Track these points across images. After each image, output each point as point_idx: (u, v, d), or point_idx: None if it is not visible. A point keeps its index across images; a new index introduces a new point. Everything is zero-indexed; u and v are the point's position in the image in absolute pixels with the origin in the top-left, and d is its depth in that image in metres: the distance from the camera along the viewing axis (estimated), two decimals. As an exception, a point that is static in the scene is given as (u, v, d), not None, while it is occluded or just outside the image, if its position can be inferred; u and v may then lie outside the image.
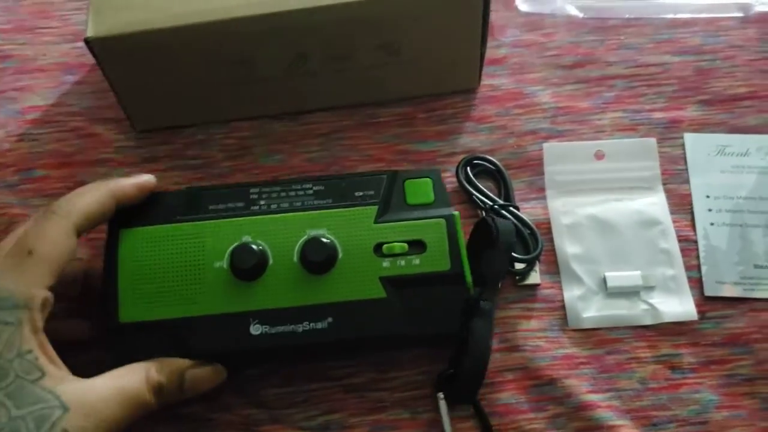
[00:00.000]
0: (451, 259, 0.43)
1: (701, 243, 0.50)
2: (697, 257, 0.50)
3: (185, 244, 0.43)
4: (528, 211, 0.51)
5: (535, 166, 0.53)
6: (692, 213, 0.51)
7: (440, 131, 0.55)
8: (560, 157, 0.53)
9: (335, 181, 0.46)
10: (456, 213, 0.45)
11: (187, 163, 0.54)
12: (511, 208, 0.50)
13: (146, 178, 0.44)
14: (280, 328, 0.42)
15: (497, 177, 0.53)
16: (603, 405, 0.45)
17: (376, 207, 0.45)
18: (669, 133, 0.54)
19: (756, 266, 0.49)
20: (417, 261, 0.43)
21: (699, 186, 0.52)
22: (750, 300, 0.48)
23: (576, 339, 0.48)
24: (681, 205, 0.52)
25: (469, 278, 0.43)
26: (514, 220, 0.49)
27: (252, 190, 0.45)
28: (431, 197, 0.45)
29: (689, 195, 0.52)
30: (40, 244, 0.38)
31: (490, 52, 0.58)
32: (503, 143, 0.54)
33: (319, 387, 0.46)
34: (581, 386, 0.46)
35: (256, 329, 0.42)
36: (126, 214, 0.44)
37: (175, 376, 0.40)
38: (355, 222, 0.44)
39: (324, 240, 0.43)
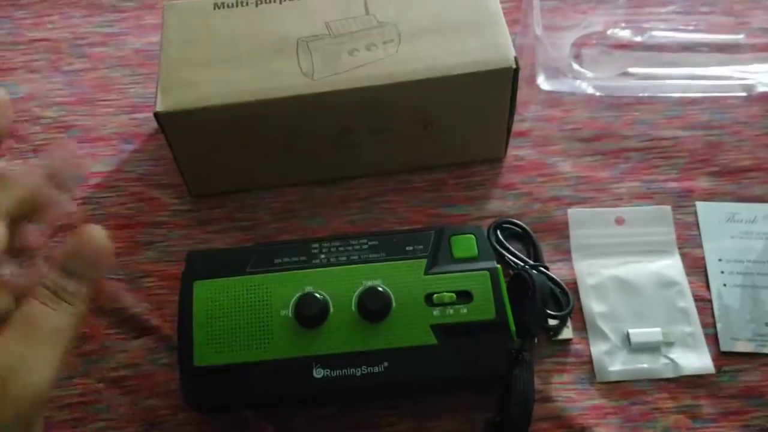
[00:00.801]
0: (496, 309, 0.47)
1: (716, 302, 0.54)
2: (713, 315, 0.54)
3: (254, 294, 0.47)
4: (555, 272, 0.55)
5: (559, 230, 0.58)
6: (706, 275, 0.56)
7: (469, 196, 0.60)
8: (584, 222, 0.58)
9: (388, 237, 0.50)
10: (498, 266, 0.49)
11: (238, 225, 0.59)
12: (542, 268, 0.54)
13: None
14: (340, 372, 0.46)
15: (525, 239, 0.57)
16: (630, 453, 0.49)
17: (425, 260, 0.49)
18: (682, 201, 0.59)
19: (767, 324, 0.53)
20: (464, 310, 0.47)
21: (712, 250, 0.57)
22: (763, 355, 0.52)
23: (603, 391, 0.51)
24: (696, 267, 0.56)
25: (512, 326, 0.47)
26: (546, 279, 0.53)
27: (313, 245, 0.50)
28: (475, 251, 0.50)
29: (703, 258, 0.56)
30: None
31: (516, 126, 0.63)
32: (529, 208, 0.59)
33: (362, 435, 0.50)
34: (609, 435, 0.49)
35: (318, 372, 0.46)
36: (199, 267, 0.48)
37: None
38: (407, 274, 0.48)
39: (379, 290, 0.47)
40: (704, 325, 0.53)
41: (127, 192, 0.61)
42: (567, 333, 0.53)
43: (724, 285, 0.55)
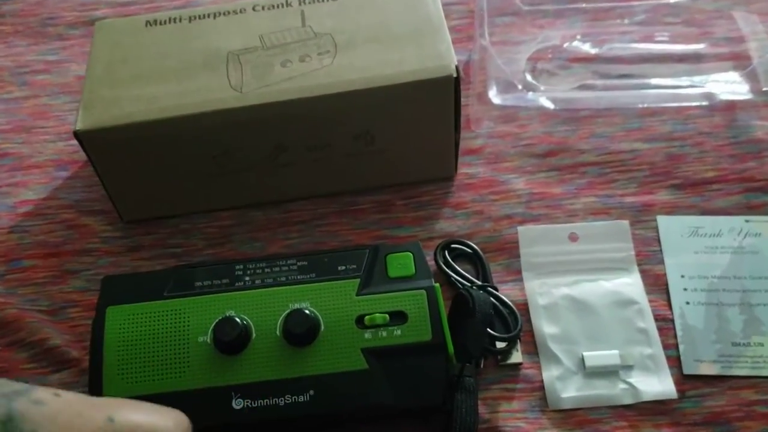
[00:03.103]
0: (433, 330, 0.44)
1: (678, 322, 0.50)
2: (675, 336, 0.50)
3: (170, 319, 0.44)
4: (506, 293, 0.51)
5: (511, 249, 0.54)
6: (668, 292, 0.52)
7: (418, 217, 0.57)
8: (535, 240, 0.54)
9: (318, 257, 0.47)
10: (437, 285, 0.46)
11: (170, 251, 0.56)
12: (490, 289, 0.51)
13: None
14: (262, 402, 0.42)
15: (475, 260, 0.54)
16: (584, 487, 0.44)
17: (358, 280, 0.46)
18: (642, 215, 0.55)
19: (733, 344, 0.49)
20: (398, 332, 0.44)
21: (673, 266, 0.53)
22: (729, 378, 0.48)
23: (556, 419, 0.47)
24: (656, 285, 0.52)
25: (451, 349, 0.43)
26: (494, 300, 0.50)
27: (237, 267, 0.47)
28: (412, 270, 0.47)
29: (664, 275, 0.53)
30: None
31: (467, 143, 0.60)
32: (480, 227, 0.56)
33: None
34: (562, 468, 0.45)
35: (238, 403, 0.42)
36: (114, 292, 0.45)
37: None
38: (338, 295, 0.45)
39: (306, 312, 0.44)
40: (666, 347, 0.49)
41: (57, 219, 0.58)
42: (516, 357, 0.49)
43: (687, 303, 0.51)
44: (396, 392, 0.42)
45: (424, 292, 0.45)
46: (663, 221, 0.55)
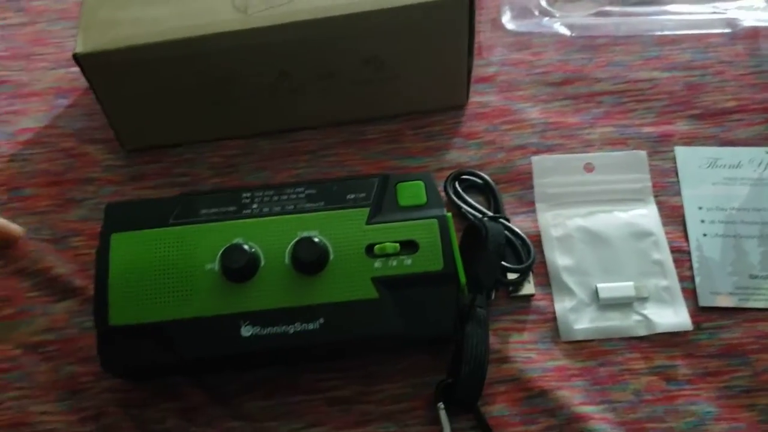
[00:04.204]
0: (444, 259, 0.43)
1: (694, 254, 0.49)
2: (691, 268, 0.49)
3: (176, 246, 0.43)
4: (518, 225, 0.50)
5: (524, 180, 0.53)
6: (684, 224, 0.51)
7: (428, 147, 0.55)
8: (549, 170, 0.53)
9: (327, 185, 0.46)
10: (448, 214, 0.44)
11: (175, 180, 0.54)
12: (502, 220, 0.49)
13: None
14: (271, 330, 0.41)
15: (486, 191, 0.52)
16: (596, 417, 0.44)
17: (368, 209, 0.44)
18: (659, 146, 0.54)
19: (751, 276, 0.48)
20: (409, 261, 0.43)
21: (691, 198, 0.51)
22: (745, 310, 0.47)
23: (568, 351, 0.46)
24: (673, 216, 0.51)
25: (462, 278, 0.42)
26: (506, 232, 0.49)
27: (244, 194, 0.45)
28: (423, 199, 0.45)
29: (681, 207, 0.51)
30: None
31: (479, 71, 0.58)
32: (492, 158, 0.54)
33: (302, 399, 0.45)
34: (574, 398, 0.44)
35: (246, 331, 0.41)
36: (118, 219, 0.44)
37: None
38: (347, 223, 0.44)
39: (315, 240, 0.43)
40: (681, 279, 0.48)
41: (58, 148, 0.56)
42: (528, 288, 0.48)
43: (704, 235, 0.50)
44: (406, 321, 0.42)
45: (435, 221, 0.44)
46: (681, 152, 0.53)
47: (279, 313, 0.42)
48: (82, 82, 0.60)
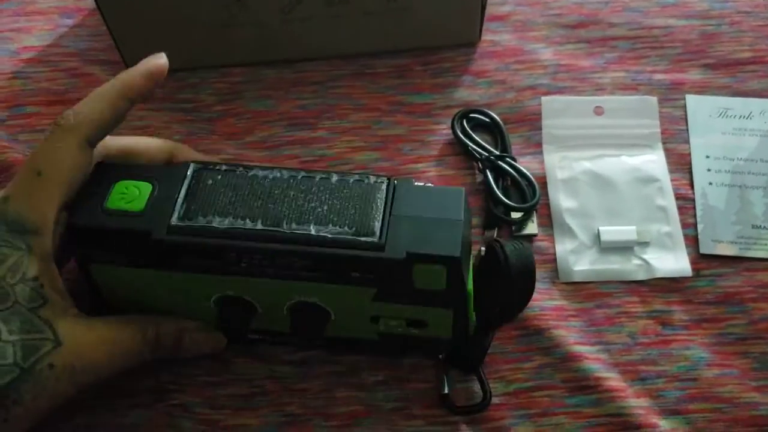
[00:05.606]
0: (454, 332, 0.40)
1: (699, 202, 0.49)
2: (694, 216, 0.49)
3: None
4: (524, 165, 0.50)
5: (533, 121, 0.52)
6: (691, 172, 0.50)
7: (437, 84, 0.54)
8: (559, 112, 0.52)
9: (327, 254, 0.35)
10: (469, 291, 0.38)
11: (178, 105, 0.54)
12: (508, 159, 0.49)
13: (154, 63, 0.39)
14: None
15: (494, 131, 0.52)
16: (591, 357, 0.44)
17: (374, 290, 0.37)
18: (670, 93, 0.53)
19: (754, 226, 0.48)
20: (415, 331, 0.40)
21: (699, 146, 0.51)
22: (746, 259, 0.47)
23: (566, 292, 0.46)
24: (680, 164, 0.51)
25: (473, 318, 0.40)
26: (511, 170, 0.48)
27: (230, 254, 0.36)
28: (443, 285, 0.36)
29: (688, 155, 0.51)
30: (47, 163, 0.36)
31: (493, 9, 0.57)
32: (501, 98, 0.53)
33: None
34: (569, 338, 0.44)
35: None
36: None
37: (173, 337, 0.39)
38: (350, 297, 0.37)
39: (315, 303, 0.38)
40: (684, 226, 0.48)
41: (61, 67, 0.55)
42: (531, 228, 0.48)
43: (710, 183, 0.50)
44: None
45: (452, 312, 0.38)
46: (692, 100, 0.53)
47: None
48: (88, 3, 0.59)
